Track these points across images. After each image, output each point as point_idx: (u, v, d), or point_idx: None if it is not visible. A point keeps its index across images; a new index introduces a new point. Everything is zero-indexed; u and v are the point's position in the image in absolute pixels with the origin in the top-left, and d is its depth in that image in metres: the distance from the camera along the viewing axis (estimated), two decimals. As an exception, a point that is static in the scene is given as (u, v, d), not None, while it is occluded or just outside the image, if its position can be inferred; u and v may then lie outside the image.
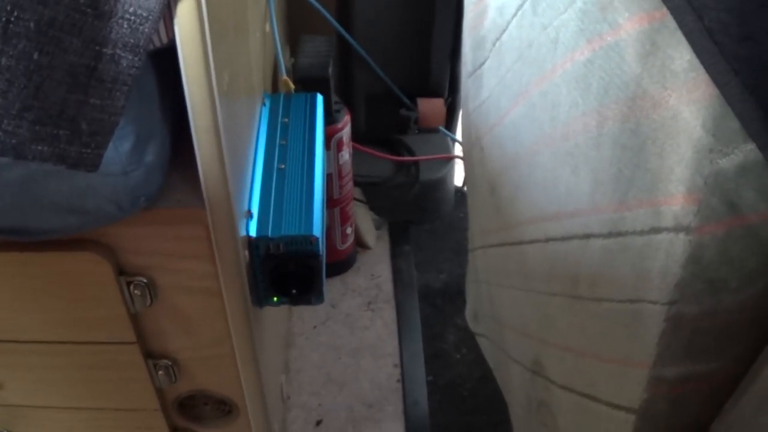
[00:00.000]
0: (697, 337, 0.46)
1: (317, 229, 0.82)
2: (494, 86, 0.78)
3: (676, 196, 0.43)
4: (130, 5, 0.56)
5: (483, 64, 0.83)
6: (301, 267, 0.83)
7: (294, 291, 0.84)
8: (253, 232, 0.80)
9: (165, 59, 0.65)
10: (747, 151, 0.41)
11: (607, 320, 0.54)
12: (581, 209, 0.55)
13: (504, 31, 0.72)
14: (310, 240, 0.81)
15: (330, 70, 1.19)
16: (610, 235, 0.52)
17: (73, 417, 0.94)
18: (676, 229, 0.44)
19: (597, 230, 0.54)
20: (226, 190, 0.69)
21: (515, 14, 0.68)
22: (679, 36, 0.43)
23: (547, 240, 0.64)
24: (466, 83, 0.95)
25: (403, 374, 1.23)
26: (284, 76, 1.08)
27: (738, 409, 0.48)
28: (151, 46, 0.65)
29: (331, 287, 1.41)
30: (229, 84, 0.70)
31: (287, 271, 0.83)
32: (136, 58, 0.59)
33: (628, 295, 0.51)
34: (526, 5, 0.65)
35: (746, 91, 0.40)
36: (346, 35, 1.40)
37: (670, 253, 0.45)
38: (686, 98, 0.43)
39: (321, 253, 0.82)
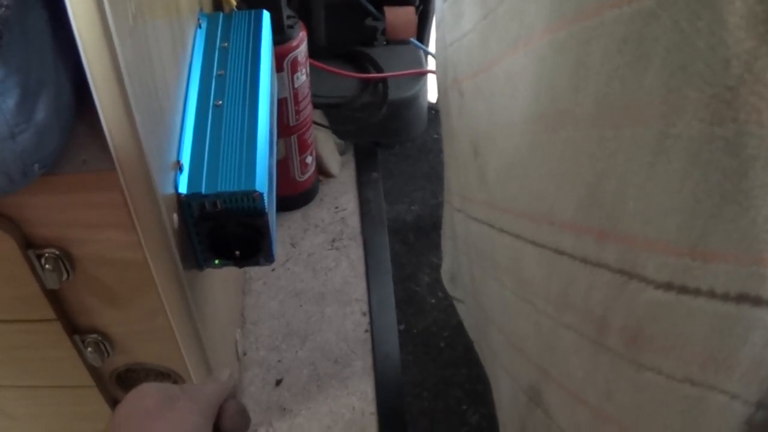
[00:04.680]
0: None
1: (261, 183, 0.70)
2: (480, 19, 0.62)
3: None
4: None
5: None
6: (244, 227, 0.71)
7: (238, 253, 0.73)
8: (183, 189, 0.69)
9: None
10: None
11: (650, 395, 0.42)
12: (622, 234, 0.42)
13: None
14: (253, 196, 0.69)
15: (280, -21, 1.04)
16: (669, 286, 0.38)
17: (5, 395, 0.88)
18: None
19: (648, 273, 0.40)
20: (139, 146, 0.58)
21: None
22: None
23: (559, 253, 0.51)
24: (441, 7, 0.79)
25: (372, 323, 1.12)
26: (224, -9, 0.93)
27: None
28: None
29: (291, 222, 1.28)
30: (136, 14, 0.58)
31: (228, 232, 0.71)
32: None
33: (689, 374, 0.37)
34: None
35: None
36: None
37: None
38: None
39: (267, 209, 0.70)
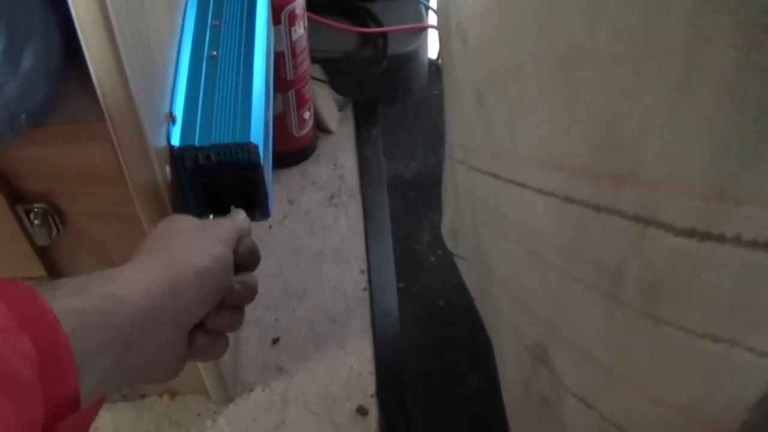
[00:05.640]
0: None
1: (256, 134, 0.68)
2: None
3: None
4: None
5: None
6: (239, 180, 0.69)
7: (233, 207, 0.71)
8: (176, 141, 0.66)
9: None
10: None
11: (668, 352, 0.39)
12: (642, 178, 0.39)
13: None
14: (248, 149, 0.66)
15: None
16: (692, 233, 0.36)
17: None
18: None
19: (669, 219, 0.38)
20: (129, 96, 0.56)
21: None
22: None
23: (570, 201, 0.48)
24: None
25: (370, 281, 1.10)
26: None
27: None
28: None
29: (288, 179, 1.26)
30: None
31: (222, 185, 0.69)
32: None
33: (711, 329, 0.35)
34: None
35: None
36: None
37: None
38: None
39: (262, 162, 0.68)
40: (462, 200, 0.84)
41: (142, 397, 0.96)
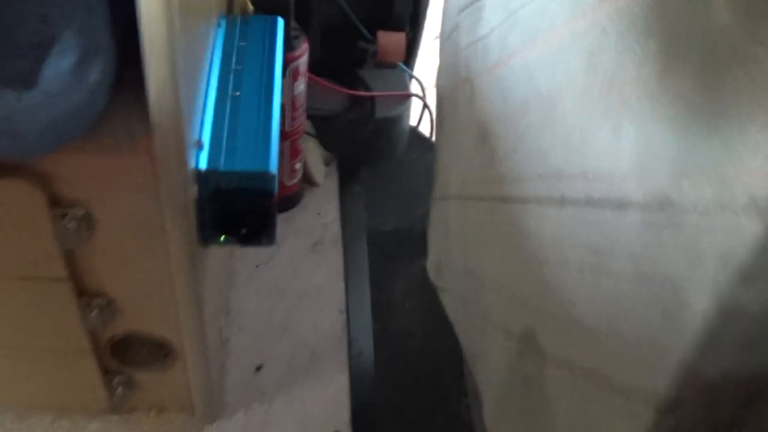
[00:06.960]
0: (754, 335, 0.40)
1: (274, 165, 0.75)
2: (500, 22, 0.69)
3: (753, 169, 0.37)
4: None
5: (484, -4, 0.74)
6: (253, 205, 0.76)
7: (244, 231, 0.78)
8: (203, 165, 0.73)
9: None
10: None
11: (640, 301, 0.48)
12: (619, 173, 0.48)
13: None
14: (267, 176, 0.74)
15: (290, -8, 1.11)
16: (659, 208, 0.45)
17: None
18: (747, 208, 0.37)
19: (640, 200, 0.46)
20: (179, 116, 0.63)
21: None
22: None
23: (563, 203, 0.57)
24: (455, 18, 0.87)
25: (348, 321, 1.18)
26: (241, -3, 0.99)
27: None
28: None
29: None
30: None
31: (238, 210, 0.76)
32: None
33: (671, 278, 0.44)
34: None
35: None
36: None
37: (735, 233, 0.38)
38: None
39: (275, 191, 0.75)
40: (452, 235, 0.92)
41: (131, 411, 1.01)
